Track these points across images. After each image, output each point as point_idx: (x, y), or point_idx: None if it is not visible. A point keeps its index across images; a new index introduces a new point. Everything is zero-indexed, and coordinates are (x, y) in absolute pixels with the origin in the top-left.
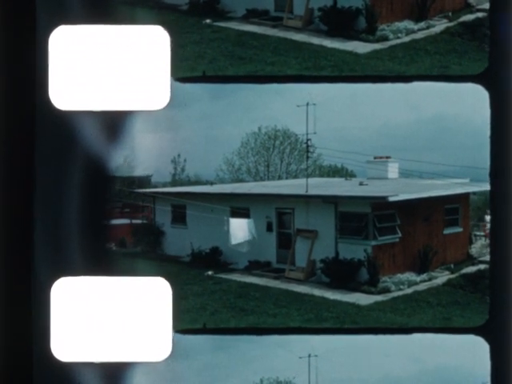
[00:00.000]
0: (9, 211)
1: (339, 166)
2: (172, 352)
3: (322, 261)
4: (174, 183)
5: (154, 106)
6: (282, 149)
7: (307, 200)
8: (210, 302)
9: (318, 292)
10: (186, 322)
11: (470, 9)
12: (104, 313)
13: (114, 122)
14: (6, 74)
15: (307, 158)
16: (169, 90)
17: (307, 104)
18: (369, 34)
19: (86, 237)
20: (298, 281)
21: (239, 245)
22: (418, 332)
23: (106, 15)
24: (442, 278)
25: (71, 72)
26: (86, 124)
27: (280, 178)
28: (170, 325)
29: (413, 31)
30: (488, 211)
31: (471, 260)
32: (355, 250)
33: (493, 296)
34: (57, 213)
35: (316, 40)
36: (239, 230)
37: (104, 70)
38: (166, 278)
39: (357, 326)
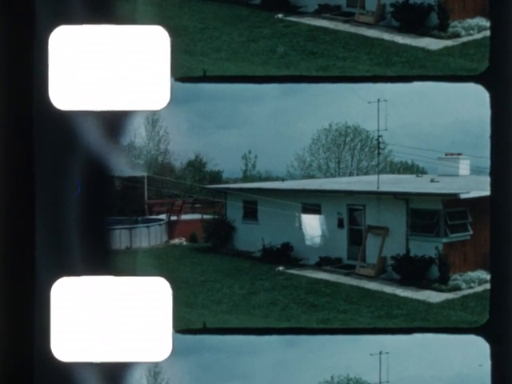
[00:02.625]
0: (9, 211)
1: (410, 162)
2: (243, 348)
3: (393, 258)
4: (245, 179)
5: (154, 106)
6: (352, 145)
7: (378, 196)
8: (281, 298)
9: (388, 289)
10: (258, 317)
11: None
12: (104, 313)
13: (114, 122)
14: (5, 74)
15: (378, 154)
16: (169, 89)
17: (378, 100)
18: (441, 30)
19: (87, 237)
20: (369, 277)
21: (311, 241)
22: (418, 332)
23: (108, 15)
24: None
25: (71, 72)
26: (85, 124)
27: (351, 174)
28: (170, 325)
29: (485, 28)
30: None
31: None
32: (426, 247)
33: (493, 296)
34: (57, 213)
35: (387, 36)
36: (311, 226)
37: (104, 70)
38: (237, 273)
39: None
